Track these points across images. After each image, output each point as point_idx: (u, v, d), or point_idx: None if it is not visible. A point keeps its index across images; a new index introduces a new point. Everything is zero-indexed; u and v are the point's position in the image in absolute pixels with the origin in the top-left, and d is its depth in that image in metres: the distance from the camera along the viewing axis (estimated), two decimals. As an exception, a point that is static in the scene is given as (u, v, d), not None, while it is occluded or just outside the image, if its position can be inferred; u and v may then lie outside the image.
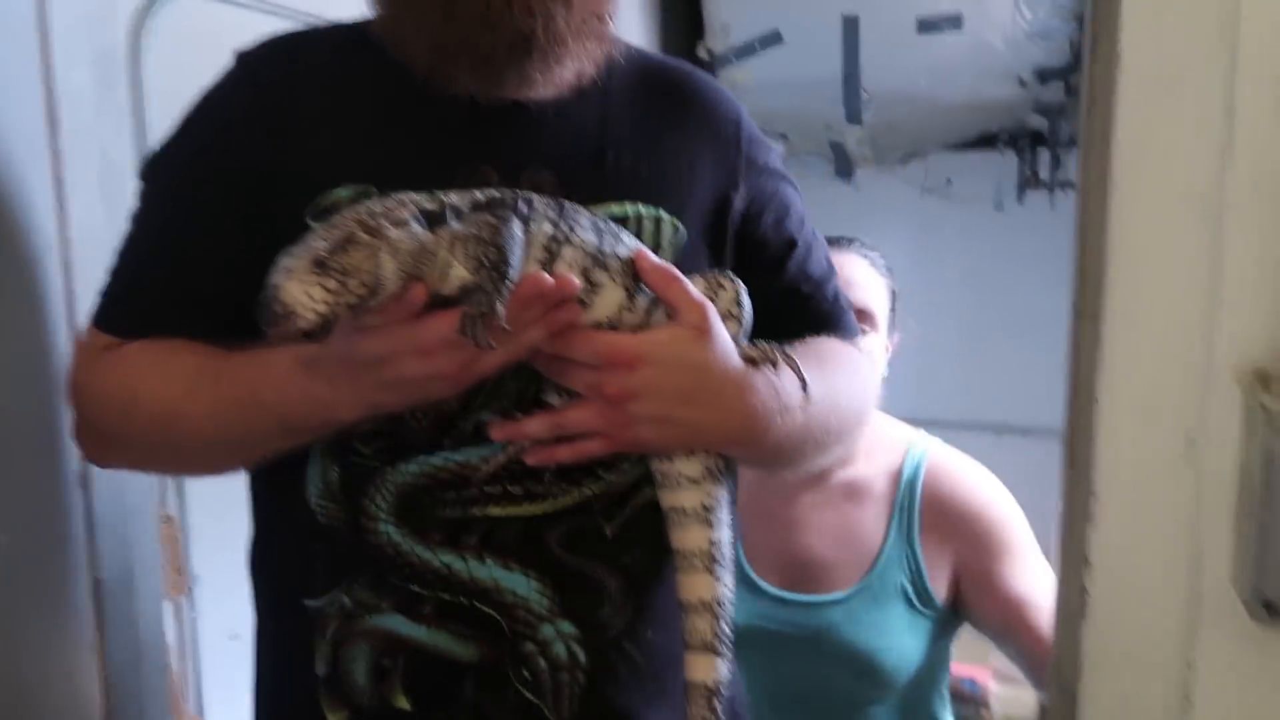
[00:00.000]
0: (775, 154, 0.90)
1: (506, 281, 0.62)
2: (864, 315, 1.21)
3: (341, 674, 0.77)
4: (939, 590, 1.21)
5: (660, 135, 0.83)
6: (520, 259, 0.64)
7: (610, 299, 0.70)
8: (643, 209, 0.79)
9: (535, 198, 0.68)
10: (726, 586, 0.78)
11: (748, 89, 2.13)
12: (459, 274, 0.63)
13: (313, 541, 0.77)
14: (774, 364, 0.77)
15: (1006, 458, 1.40)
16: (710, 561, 0.77)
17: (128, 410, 0.75)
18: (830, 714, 1.21)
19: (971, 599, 1.21)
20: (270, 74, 0.80)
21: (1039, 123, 2.12)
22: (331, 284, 0.59)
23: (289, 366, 0.69)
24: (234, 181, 0.76)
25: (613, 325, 0.71)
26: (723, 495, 0.79)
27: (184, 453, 0.79)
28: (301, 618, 0.78)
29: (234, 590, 1.39)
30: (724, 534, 0.78)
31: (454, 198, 0.65)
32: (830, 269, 0.91)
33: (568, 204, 0.70)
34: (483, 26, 0.70)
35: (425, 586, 0.75)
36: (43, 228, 0.90)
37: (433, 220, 0.63)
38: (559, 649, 0.77)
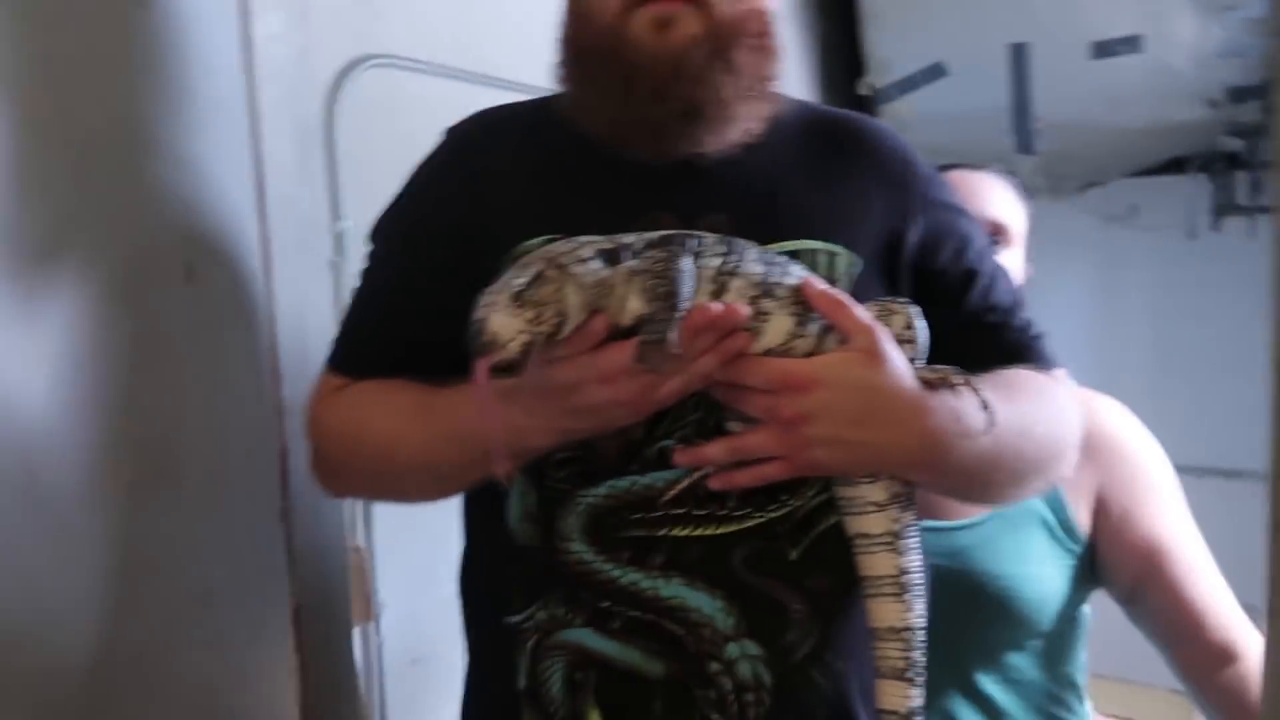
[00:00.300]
0: (950, 190, 0.91)
1: (678, 312, 0.67)
2: (999, 229, 1.14)
3: (539, 686, 0.80)
4: (1080, 520, 1.10)
5: (829, 177, 0.85)
6: (691, 290, 0.68)
7: (779, 326, 0.72)
8: (817, 244, 0.81)
9: (706, 235, 0.72)
10: (918, 614, 0.77)
11: (911, 123, 2.10)
12: (635, 305, 0.68)
13: (512, 562, 0.82)
14: (952, 387, 0.76)
15: (1207, 501, 1.30)
16: (899, 588, 0.77)
17: (355, 444, 0.84)
18: (963, 660, 1.10)
19: (1107, 540, 1.09)
20: (471, 146, 0.88)
21: (1234, 145, 1.98)
22: (529, 315, 0.65)
23: (489, 400, 0.74)
24: (443, 240, 0.84)
25: (785, 352, 0.73)
26: (910, 521, 0.78)
27: (403, 481, 0.86)
28: (503, 633, 0.82)
29: (416, 617, 1.47)
30: (913, 560, 0.78)
31: (629, 238, 0.70)
32: (1018, 301, 0.90)
33: (737, 240, 0.73)
34: (655, 100, 0.77)
35: (614, 603, 0.78)
36: (254, 282, 1.00)
37: (610, 258, 0.68)
38: (744, 669, 0.78)
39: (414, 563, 1.61)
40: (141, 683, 0.81)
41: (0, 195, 0.70)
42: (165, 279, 0.87)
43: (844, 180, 0.85)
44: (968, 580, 1.07)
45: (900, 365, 0.74)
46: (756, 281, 0.71)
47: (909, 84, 2.16)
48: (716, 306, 0.69)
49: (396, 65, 1.61)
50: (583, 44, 0.81)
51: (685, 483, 0.76)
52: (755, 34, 0.81)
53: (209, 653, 0.90)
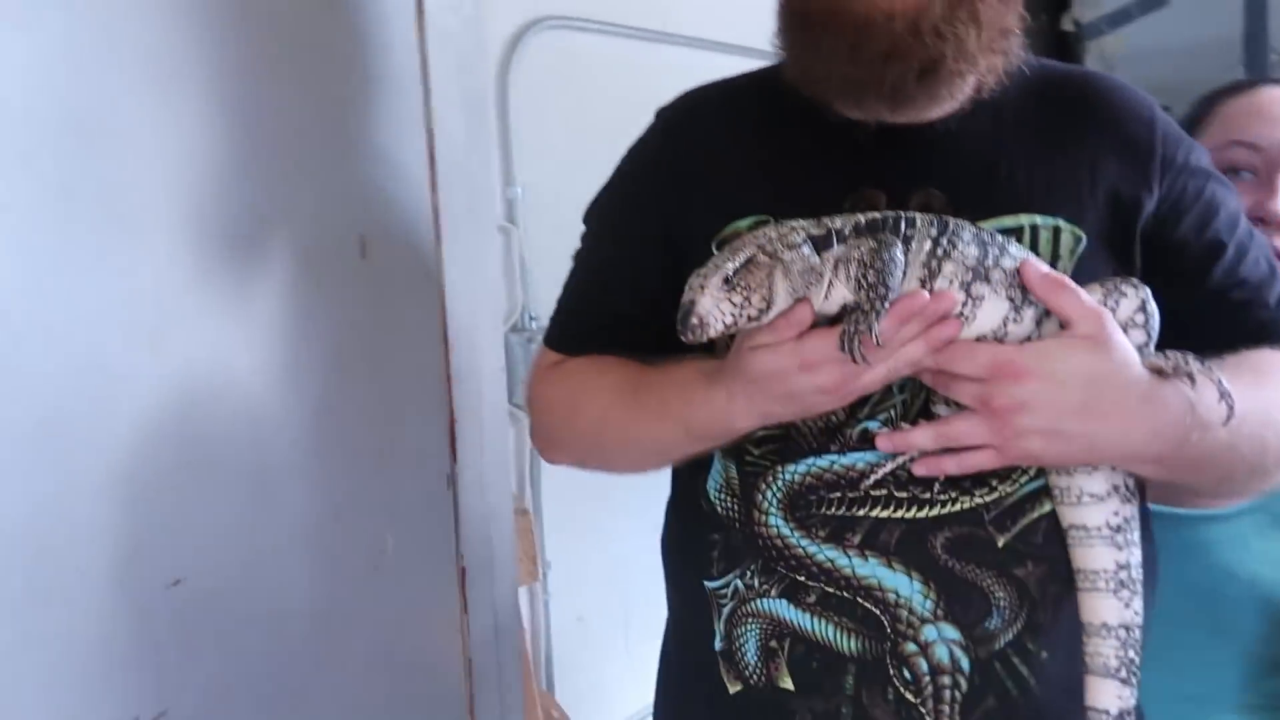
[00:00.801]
0: (1200, 152, 0.82)
1: (884, 301, 0.66)
2: None
3: (735, 650, 0.82)
4: None
5: (1059, 142, 0.79)
6: (899, 280, 0.67)
7: (993, 312, 0.70)
8: (1039, 219, 0.76)
9: (919, 216, 0.69)
10: (1135, 612, 0.74)
11: (1119, 61, 1.92)
12: (841, 294, 0.68)
13: (712, 531, 0.83)
14: (1189, 377, 0.70)
15: None
16: (1116, 584, 0.74)
17: (569, 418, 0.89)
18: (1219, 678, 0.99)
19: None
20: (680, 128, 0.87)
21: None
22: (737, 299, 0.66)
23: (693, 380, 0.77)
24: (653, 222, 0.85)
25: (1000, 338, 0.70)
26: (1133, 514, 0.74)
27: (612, 454, 0.91)
28: (702, 596, 0.84)
29: (581, 577, 1.50)
30: (1134, 556, 0.74)
31: (839, 222, 0.68)
32: (1273, 273, 0.81)
33: (953, 220, 0.70)
34: (890, 59, 0.72)
35: (810, 578, 0.78)
36: (425, 253, 1.02)
37: (820, 244, 0.67)
38: (941, 652, 0.76)
39: (579, 525, 1.65)
40: (323, 634, 0.86)
41: (198, 184, 0.73)
42: (341, 255, 0.90)
43: (1073, 146, 0.79)
44: (1210, 581, 0.97)
45: (1127, 353, 0.69)
46: (970, 265, 0.68)
47: (1122, 16, 1.97)
48: (923, 295, 0.66)
49: (571, 25, 1.60)
50: (802, 7, 0.75)
51: (890, 467, 0.75)
52: None
53: (380, 611, 0.95)
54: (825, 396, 0.70)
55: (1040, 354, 0.69)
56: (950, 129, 0.78)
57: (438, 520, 1.07)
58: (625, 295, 0.86)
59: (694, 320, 0.65)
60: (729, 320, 0.66)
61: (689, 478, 0.86)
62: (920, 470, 0.74)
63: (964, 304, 0.69)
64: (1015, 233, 0.76)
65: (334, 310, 0.89)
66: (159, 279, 0.70)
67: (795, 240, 0.67)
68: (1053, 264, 0.76)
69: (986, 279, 0.69)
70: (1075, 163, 0.78)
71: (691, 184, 0.83)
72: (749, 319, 0.67)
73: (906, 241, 0.68)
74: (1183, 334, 0.77)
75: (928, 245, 0.68)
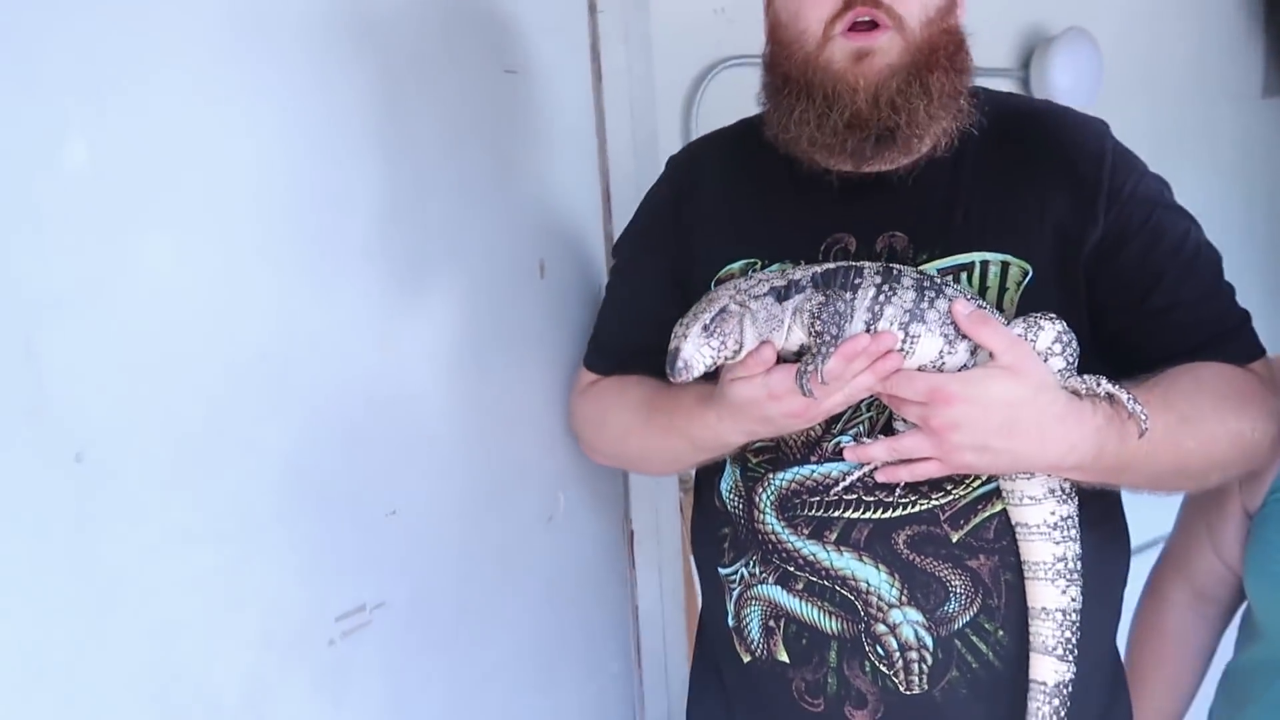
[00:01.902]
0: (1150, 180, 0.90)
1: (830, 347, 0.79)
2: None
3: (743, 627, 0.97)
4: None
5: (1011, 182, 0.89)
6: (844, 327, 0.79)
7: (930, 347, 0.81)
8: (989, 255, 0.87)
9: (867, 267, 0.82)
10: (1072, 599, 0.84)
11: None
12: (797, 337, 0.81)
13: (724, 525, 0.99)
14: (1108, 396, 0.80)
15: None
16: (1054, 574, 0.84)
17: (599, 431, 1.09)
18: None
19: None
20: (682, 174, 1.05)
21: None
22: (715, 343, 0.80)
23: (693, 403, 0.93)
24: (663, 261, 1.02)
25: (937, 367, 0.82)
26: (1070, 514, 0.84)
27: (636, 462, 1.11)
28: (718, 581, 1.00)
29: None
30: (1070, 549, 0.84)
31: (798, 274, 0.83)
32: (1216, 290, 0.88)
33: (898, 268, 0.83)
34: (851, 128, 0.86)
35: (797, 568, 0.92)
36: (597, 274, 1.25)
37: (782, 294, 0.81)
38: (907, 632, 0.88)
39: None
40: (500, 577, 1.11)
41: (413, 221, 1.00)
42: (522, 275, 1.16)
43: (1024, 185, 0.89)
44: None
45: (1044, 378, 0.79)
46: (907, 308, 0.80)
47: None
48: (864, 338, 0.79)
49: (751, 63, 1.79)
50: (784, 71, 0.90)
51: (856, 475, 0.88)
52: (950, 53, 0.86)
53: (551, 563, 1.19)
54: (794, 420, 0.83)
55: (967, 382, 0.79)
56: (913, 177, 0.89)
57: (610, 489, 1.31)
58: (642, 326, 0.99)
59: (680, 364, 0.79)
60: (709, 362, 0.79)
61: (708, 478, 1.01)
62: (881, 478, 0.86)
63: (903, 341, 0.80)
64: (967, 268, 0.87)
65: (519, 318, 1.15)
66: (386, 294, 0.98)
67: (759, 292, 0.80)
68: (1000, 295, 0.86)
69: (922, 319, 0.80)
70: (1025, 201, 0.88)
71: (691, 231, 0.99)
72: (725, 359, 0.80)
73: (855, 289, 0.80)
74: (1131, 351, 0.86)
75: (871, 293, 0.80)
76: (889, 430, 0.87)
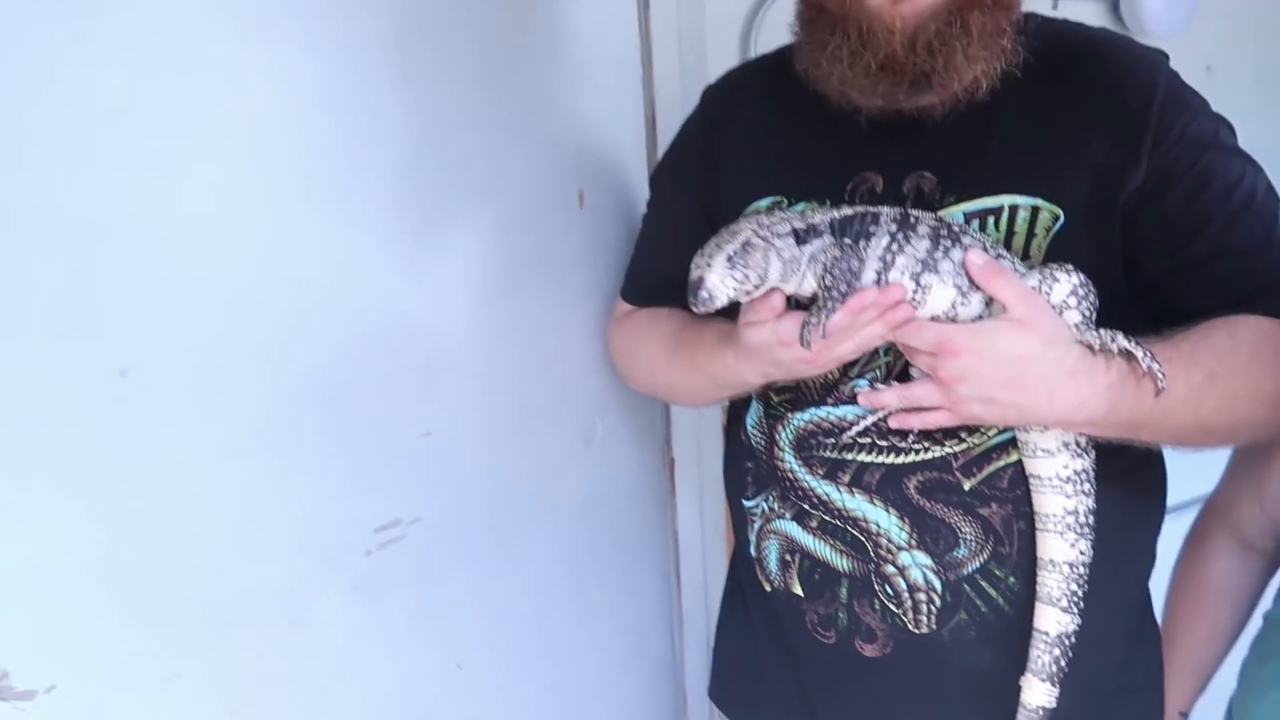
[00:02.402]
0: (1205, 119, 0.85)
1: (836, 302, 0.78)
2: None
3: (762, 558, 1.00)
4: None
5: (1050, 122, 0.85)
6: (853, 284, 0.79)
7: (941, 297, 0.80)
8: (1019, 199, 0.84)
9: (884, 213, 0.80)
10: (1080, 552, 0.83)
11: None
12: (810, 285, 0.81)
13: (748, 459, 1.01)
14: (1124, 353, 0.78)
15: None
16: (1064, 527, 0.83)
17: (631, 361, 1.11)
18: None
19: None
20: (715, 107, 1.04)
21: None
22: (739, 275, 0.78)
23: (713, 341, 0.94)
24: (693, 194, 1.02)
25: (950, 318, 0.80)
26: (1083, 468, 0.83)
27: (665, 392, 1.13)
28: (742, 512, 1.02)
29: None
30: (1082, 504, 0.83)
31: (818, 217, 0.81)
32: (1269, 239, 0.83)
33: (915, 215, 0.81)
34: (884, 70, 0.83)
35: (812, 507, 0.94)
36: (636, 205, 1.26)
37: (801, 236, 0.80)
38: (916, 574, 0.89)
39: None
40: (535, 499, 1.15)
41: (422, 138, 1.01)
42: (561, 203, 1.17)
43: (1065, 124, 0.85)
44: None
45: (1055, 332, 0.77)
46: (920, 258, 0.79)
47: None
48: (872, 292, 0.78)
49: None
50: (820, 3, 0.86)
51: (869, 420, 0.88)
52: None
53: (589, 487, 1.23)
54: (805, 365, 0.84)
55: (975, 334, 0.78)
56: (952, 115, 0.85)
57: (648, 418, 1.33)
58: (673, 258, 0.95)
59: (704, 294, 0.77)
60: (731, 294, 0.78)
61: (736, 413, 1.02)
62: (894, 424, 0.85)
63: (914, 291, 0.79)
64: (995, 212, 0.84)
65: (557, 247, 1.17)
66: (421, 220, 1.00)
67: (782, 230, 0.79)
68: (1028, 241, 0.83)
69: (935, 270, 0.78)
70: (1063, 141, 0.84)
71: (721, 165, 0.98)
72: (746, 294, 0.78)
73: (869, 237, 0.79)
74: (1170, 301, 0.82)
75: (885, 241, 0.79)
76: (905, 376, 0.86)
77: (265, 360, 0.88)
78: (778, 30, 1.70)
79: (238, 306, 0.85)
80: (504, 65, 1.09)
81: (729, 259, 0.77)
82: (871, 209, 0.82)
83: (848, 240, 0.79)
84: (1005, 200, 0.85)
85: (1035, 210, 0.84)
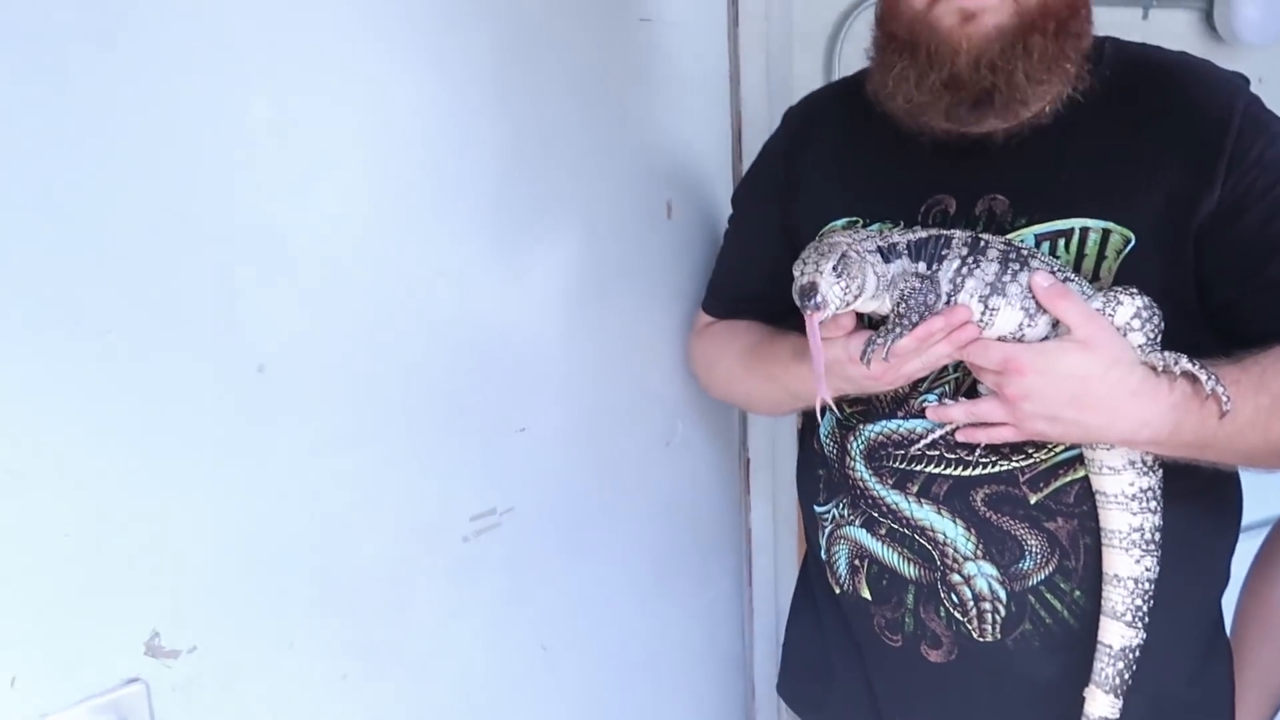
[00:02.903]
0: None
1: (905, 330, 0.82)
2: None
3: (832, 562, 1.04)
4: None
5: (1124, 145, 0.88)
6: (924, 314, 0.82)
7: (1008, 319, 0.83)
8: (1090, 222, 0.87)
9: (956, 237, 0.84)
10: (1146, 568, 0.86)
11: None
12: (886, 306, 0.85)
13: (820, 467, 1.05)
14: (1187, 375, 0.81)
15: None
16: (1129, 544, 0.86)
17: (711, 371, 1.17)
18: None
19: None
20: (795, 129, 1.09)
21: None
22: (844, 284, 0.81)
23: (788, 355, 0.99)
24: (774, 211, 1.07)
25: (1016, 339, 0.84)
26: (1150, 485, 0.85)
27: (743, 402, 1.18)
28: (814, 517, 1.07)
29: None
30: (1148, 521, 0.85)
31: (896, 236, 0.85)
32: None
33: (984, 239, 0.84)
34: (947, 88, 0.87)
35: (881, 515, 0.97)
36: (720, 217, 1.31)
37: (884, 255, 0.84)
38: (981, 584, 0.93)
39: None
40: (619, 493, 1.22)
41: (520, 156, 1.08)
42: (650, 214, 1.23)
43: (1138, 147, 0.87)
44: None
45: (1118, 353, 0.80)
46: (989, 281, 0.82)
47: None
48: (939, 320, 0.81)
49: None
50: (891, 29, 0.90)
51: (937, 434, 0.92)
52: (1063, 17, 0.85)
53: (668, 483, 1.29)
54: (874, 382, 0.87)
55: (1041, 354, 0.80)
56: (1024, 138, 0.88)
57: (724, 421, 1.39)
58: (753, 274, 1.06)
59: (819, 299, 0.79)
60: (838, 303, 0.80)
61: (809, 422, 1.07)
62: (961, 438, 0.89)
63: (982, 314, 0.82)
64: (1066, 234, 0.86)
65: (645, 256, 1.23)
66: (520, 232, 1.08)
67: (870, 247, 0.83)
68: (1098, 263, 0.85)
69: (1003, 293, 0.82)
70: (1136, 164, 0.86)
71: (799, 184, 1.03)
72: (847, 304, 0.81)
73: (940, 260, 0.82)
74: (1243, 324, 0.84)
75: (955, 264, 0.82)
76: (973, 393, 0.90)
77: (380, 358, 0.96)
78: (861, 49, 1.74)
79: (359, 309, 0.94)
80: (597, 85, 1.15)
81: (834, 269, 0.80)
82: (944, 232, 0.85)
83: (925, 265, 0.83)
84: (1076, 223, 0.87)
85: (1106, 233, 0.87)
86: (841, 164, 1.02)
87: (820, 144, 1.05)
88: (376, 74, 0.93)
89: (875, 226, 0.94)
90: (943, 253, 0.83)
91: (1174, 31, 2.04)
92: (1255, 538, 1.07)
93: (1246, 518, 1.01)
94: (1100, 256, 0.87)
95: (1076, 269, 0.88)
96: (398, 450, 0.98)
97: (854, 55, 1.74)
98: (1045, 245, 0.88)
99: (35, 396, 0.74)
